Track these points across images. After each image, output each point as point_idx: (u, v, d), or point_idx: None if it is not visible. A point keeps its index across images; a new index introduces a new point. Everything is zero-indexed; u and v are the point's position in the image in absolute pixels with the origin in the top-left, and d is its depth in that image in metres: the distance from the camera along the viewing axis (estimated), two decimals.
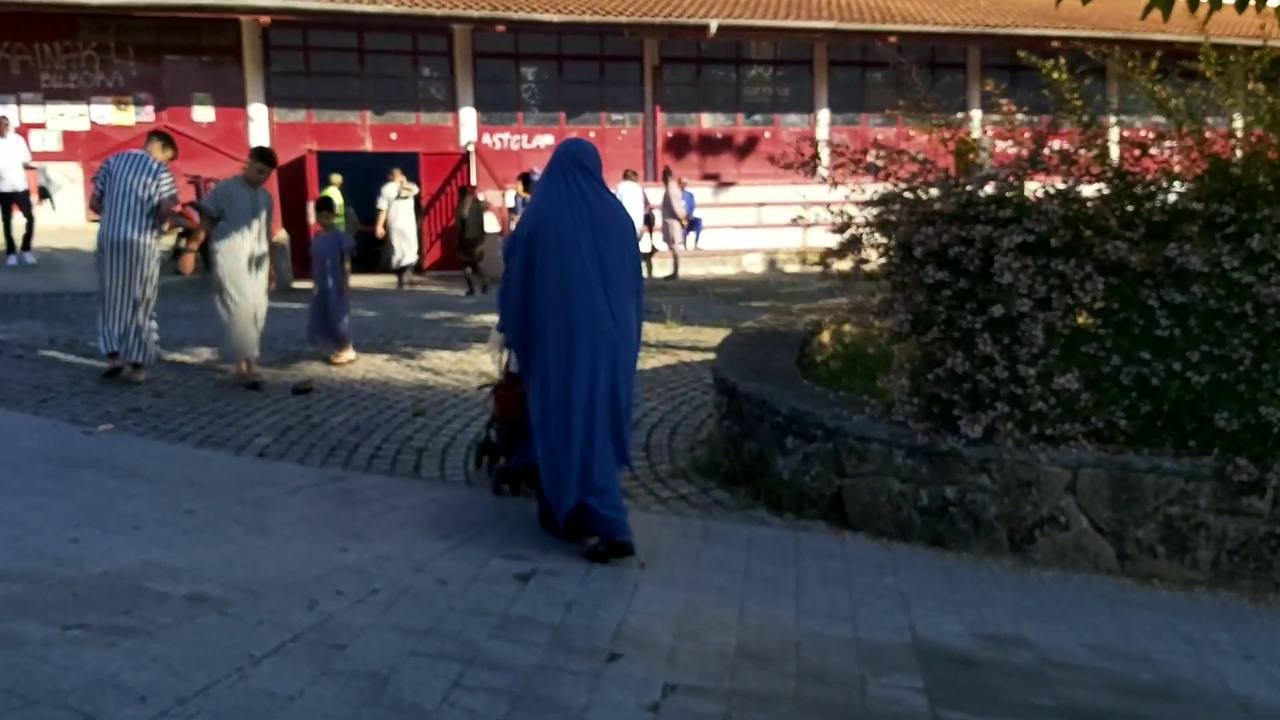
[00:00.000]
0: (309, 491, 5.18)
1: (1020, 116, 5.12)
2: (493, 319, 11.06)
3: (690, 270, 18.03)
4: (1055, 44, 21.31)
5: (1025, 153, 4.96)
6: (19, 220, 14.36)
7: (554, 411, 4.34)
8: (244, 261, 7.37)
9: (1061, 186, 4.88)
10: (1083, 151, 5.00)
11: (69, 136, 17.60)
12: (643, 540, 4.70)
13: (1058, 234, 4.64)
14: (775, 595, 4.18)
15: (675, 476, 5.60)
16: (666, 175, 18.10)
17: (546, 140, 20.47)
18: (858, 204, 5.19)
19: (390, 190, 18.22)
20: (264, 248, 7.53)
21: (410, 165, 20.15)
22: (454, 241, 18.00)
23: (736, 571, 4.39)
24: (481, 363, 8.32)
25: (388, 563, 4.21)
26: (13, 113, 16.88)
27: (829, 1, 21.35)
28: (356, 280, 10.61)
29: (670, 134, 21.32)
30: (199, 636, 3.41)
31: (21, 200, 14.35)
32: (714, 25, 19.09)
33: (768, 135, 22.04)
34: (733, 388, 5.56)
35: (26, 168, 14.57)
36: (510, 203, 18.46)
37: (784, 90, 22.12)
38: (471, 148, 19.68)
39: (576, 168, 4.59)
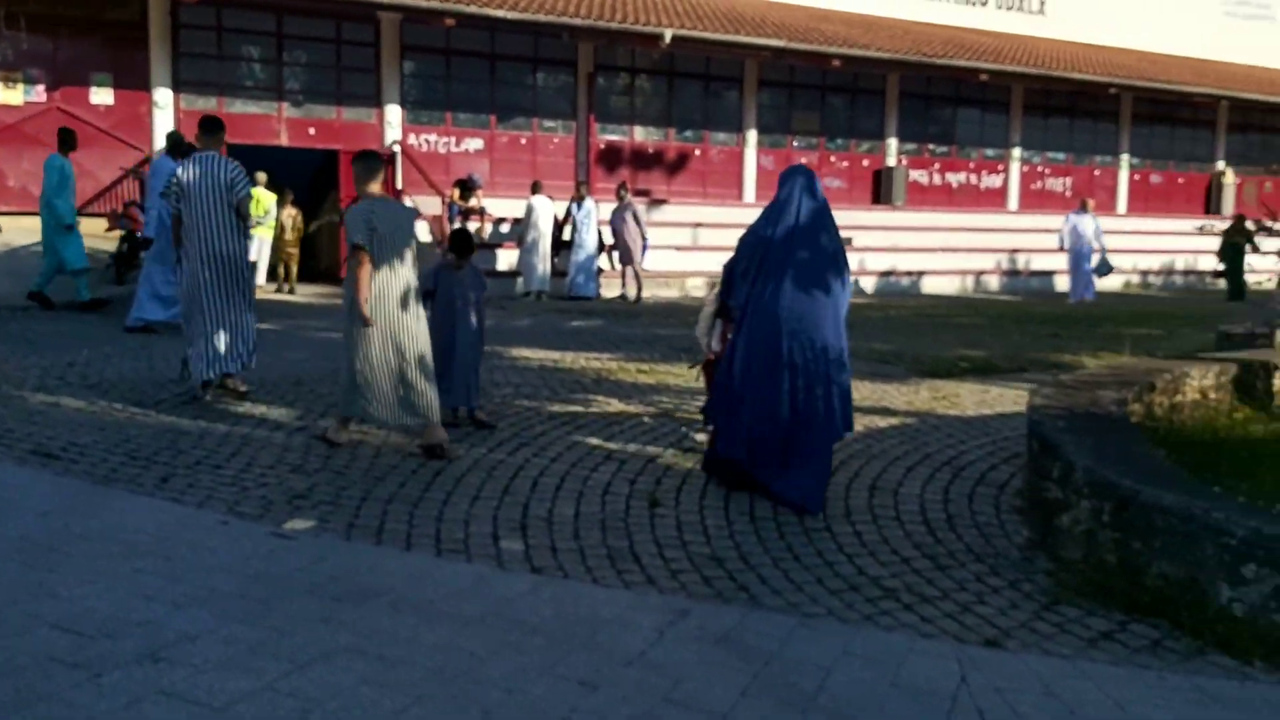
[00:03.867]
0: (679, 640, 3.90)
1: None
2: (554, 353, 9.79)
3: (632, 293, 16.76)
4: (984, 77, 21.51)
5: None
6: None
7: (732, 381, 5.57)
8: (394, 301, 5.90)
9: None
10: None
11: None
12: (1132, 711, 3.69)
13: None
14: None
15: (1061, 604, 4.60)
16: (621, 192, 16.86)
17: (476, 144, 18.95)
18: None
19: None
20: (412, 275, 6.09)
21: (331, 164, 18.36)
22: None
23: None
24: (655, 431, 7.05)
25: None
26: None
27: (761, 21, 20.69)
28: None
29: (603, 145, 20.17)
30: None
31: None
32: (668, 34, 18.13)
33: (698, 153, 21.21)
34: (1132, 495, 4.60)
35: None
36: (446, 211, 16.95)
37: (714, 108, 21.33)
38: (397, 148, 17.97)
39: (802, 190, 5.64)
